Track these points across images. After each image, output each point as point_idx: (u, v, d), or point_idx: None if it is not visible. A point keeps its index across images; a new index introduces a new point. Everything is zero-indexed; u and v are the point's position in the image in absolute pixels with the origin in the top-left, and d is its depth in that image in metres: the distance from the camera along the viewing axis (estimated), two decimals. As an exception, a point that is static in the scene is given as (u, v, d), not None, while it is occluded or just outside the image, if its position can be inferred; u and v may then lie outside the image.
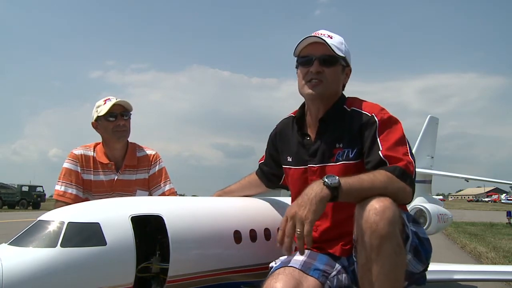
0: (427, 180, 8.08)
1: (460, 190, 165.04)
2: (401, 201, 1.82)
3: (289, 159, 2.28)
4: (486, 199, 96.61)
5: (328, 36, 2.13)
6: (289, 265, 1.97)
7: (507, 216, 18.04)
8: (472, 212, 32.98)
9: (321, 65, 2.11)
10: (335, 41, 2.13)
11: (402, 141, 1.97)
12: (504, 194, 75.45)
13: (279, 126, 2.44)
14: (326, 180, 1.72)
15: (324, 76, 2.11)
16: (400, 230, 1.71)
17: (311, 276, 1.91)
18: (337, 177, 1.74)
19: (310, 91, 2.12)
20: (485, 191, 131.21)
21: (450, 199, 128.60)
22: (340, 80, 2.20)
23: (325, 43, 2.08)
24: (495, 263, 6.78)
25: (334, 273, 2.00)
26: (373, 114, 2.02)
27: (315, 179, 1.94)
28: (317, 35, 2.13)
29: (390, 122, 2.01)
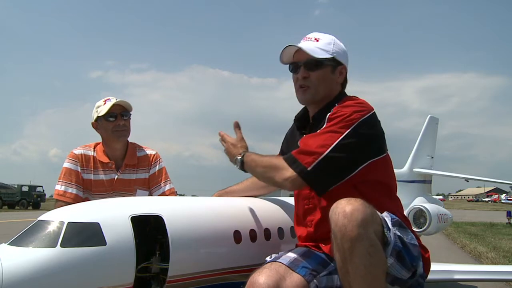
0: (427, 180, 8.08)
1: (460, 190, 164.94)
2: (281, 184, 2.07)
3: None
4: (486, 199, 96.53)
5: (315, 39, 2.19)
6: (277, 260, 1.98)
7: (507, 216, 18.06)
8: (472, 212, 33.00)
9: (307, 70, 2.17)
10: (320, 43, 2.17)
11: (332, 133, 1.94)
12: (504, 194, 75.42)
13: (293, 124, 2.49)
14: (238, 156, 2.24)
15: (310, 81, 2.17)
16: (378, 231, 1.71)
17: (297, 273, 1.92)
18: (244, 154, 2.22)
19: (300, 97, 2.23)
20: (485, 191, 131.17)
21: (450, 199, 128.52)
22: (331, 81, 2.21)
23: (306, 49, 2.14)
24: (495, 263, 6.78)
25: (325, 273, 2.00)
26: (332, 109, 2.08)
27: None
28: (305, 39, 2.21)
29: (339, 116, 1.99)
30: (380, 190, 2.10)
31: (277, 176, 2.03)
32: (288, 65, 2.28)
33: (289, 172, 1.97)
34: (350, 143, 1.93)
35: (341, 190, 1.93)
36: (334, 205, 1.73)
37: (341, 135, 1.94)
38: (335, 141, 1.93)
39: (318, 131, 2.03)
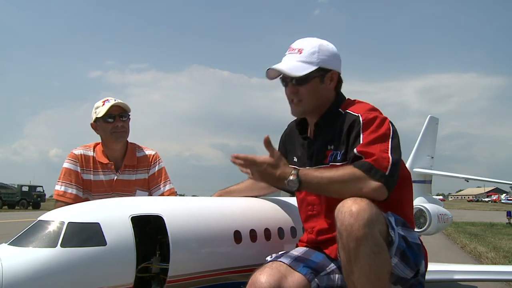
0: (427, 180, 8.07)
1: (460, 190, 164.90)
2: (369, 196, 1.80)
3: (295, 159, 2.31)
4: (486, 199, 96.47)
5: (298, 50, 2.12)
6: (278, 259, 1.99)
7: (507, 216, 18.05)
8: (472, 212, 32.97)
9: (295, 85, 2.14)
10: (304, 55, 2.11)
11: (383, 138, 1.94)
12: (504, 194, 75.36)
13: (289, 128, 2.48)
14: (291, 177, 1.88)
15: (301, 94, 2.14)
16: (382, 231, 1.72)
17: (298, 272, 1.93)
18: (297, 174, 1.88)
19: (293, 110, 2.21)
20: (485, 191, 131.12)
21: (450, 199, 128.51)
22: (321, 91, 2.16)
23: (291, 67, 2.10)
24: (495, 263, 6.78)
25: (325, 272, 2.02)
26: (359, 114, 2.02)
27: None
28: (290, 51, 2.15)
29: (374, 120, 1.98)
30: (408, 182, 2.18)
31: (365, 188, 1.82)
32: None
33: (374, 181, 1.83)
34: (397, 143, 1.97)
35: None
36: (340, 204, 1.74)
37: (389, 137, 1.95)
38: (388, 144, 1.93)
39: (367, 140, 1.93)
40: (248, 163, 1.95)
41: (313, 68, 2.10)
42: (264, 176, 1.96)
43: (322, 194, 2.04)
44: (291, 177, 1.88)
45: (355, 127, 2.00)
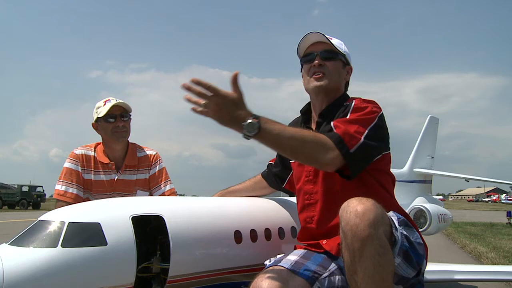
0: (427, 180, 8.08)
1: (460, 190, 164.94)
2: (323, 163, 1.89)
3: None
4: (486, 199, 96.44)
5: (328, 37, 2.30)
6: (279, 264, 1.98)
7: (507, 216, 18.04)
8: (472, 212, 32.97)
9: (322, 59, 2.26)
10: (334, 41, 2.30)
11: (364, 123, 2.02)
12: (504, 194, 75.35)
13: (294, 120, 2.53)
14: (249, 119, 1.73)
15: (326, 68, 2.27)
16: (387, 231, 1.72)
17: (300, 276, 1.92)
18: (258, 118, 1.75)
19: (315, 83, 2.27)
20: (485, 191, 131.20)
21: (450, 199, 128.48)
22: (342, 75, 2.33)
23: (325, 41, 2.27)
24: (495, 263, 6.77)
25: (326, 274, 2.00)
26: (353, 101, 2.16)
27: (311, 171, 2.22)
28: (317, 32, 2.29)
29: (365, 108, 2.09)
30: (389, 180, 2.24)
31: (323, 155, 1.86)
32: (301, 58, 2.36)
33: (335, 152, 1.88)
34: (376, 133, 2.04)
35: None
36: (345, 203, 1.74)
37: (370, 125, 2.03)
38: (366, 130, 2.01)
39: (347, 118, 2.06)
40: (210, 92, 1.72)
41: (342, 51, 2.31)
42: (221, 113, 1.74)
43: (278, 149, 1.95)
44: (250, 120, 1.73)
45: (346, 108, 2.13)
